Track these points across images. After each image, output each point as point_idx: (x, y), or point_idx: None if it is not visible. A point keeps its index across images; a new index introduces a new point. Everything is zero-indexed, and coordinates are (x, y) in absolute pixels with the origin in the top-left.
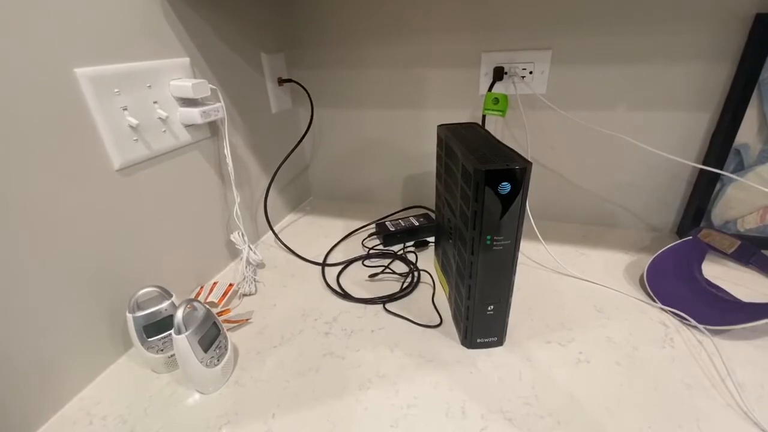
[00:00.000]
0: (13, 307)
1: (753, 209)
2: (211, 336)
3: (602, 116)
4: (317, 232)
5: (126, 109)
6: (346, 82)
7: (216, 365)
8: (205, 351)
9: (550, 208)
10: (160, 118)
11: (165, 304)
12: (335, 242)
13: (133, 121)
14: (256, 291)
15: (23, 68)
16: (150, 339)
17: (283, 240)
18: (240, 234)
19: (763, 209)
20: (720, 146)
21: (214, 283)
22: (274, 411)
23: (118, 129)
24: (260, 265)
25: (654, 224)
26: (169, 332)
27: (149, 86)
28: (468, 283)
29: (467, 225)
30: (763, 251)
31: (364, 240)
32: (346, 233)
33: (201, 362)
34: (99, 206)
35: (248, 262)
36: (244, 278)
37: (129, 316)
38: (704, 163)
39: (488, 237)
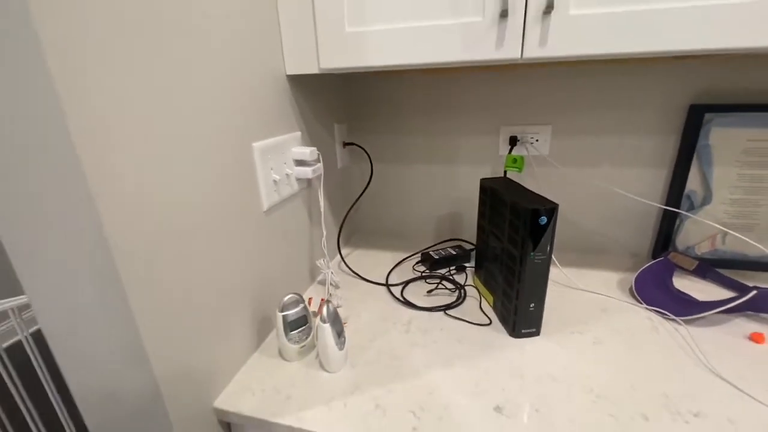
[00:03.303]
0: (199, 306)
1: (705, 238)
2: (338, 327)
3: (591, 171)
4: (371, 261)
5: (272, 169)
6: (393, 144)
7: (342, 349)
8: (338, 337)
9: (560, 237)
10: (287, 174)
11: (300, 307)
12: (390, 268)
13: (276, 177)
14: (340, 305)
15: (231, 143)
16: (291, 333)
17: (349, 266)
18: (325, 260)
19: (711, 238)
20: (676, 192)
21: (310, 298)
22: (385, 383)
23: (267, 182)
24: (336, 286)
25: (634, 250)
26: (302, 327)
27: (283, 153)
28: (516, 287)
29: (516, 246)
30: (716, 269)
31: (414, 265)
32: (396, 262)
33: (336, 345)
34: (253, 237)
35: (330, 283)
36: (331, 295)
37: (279, 314)
38: (666, 205)
39: (531, 253)
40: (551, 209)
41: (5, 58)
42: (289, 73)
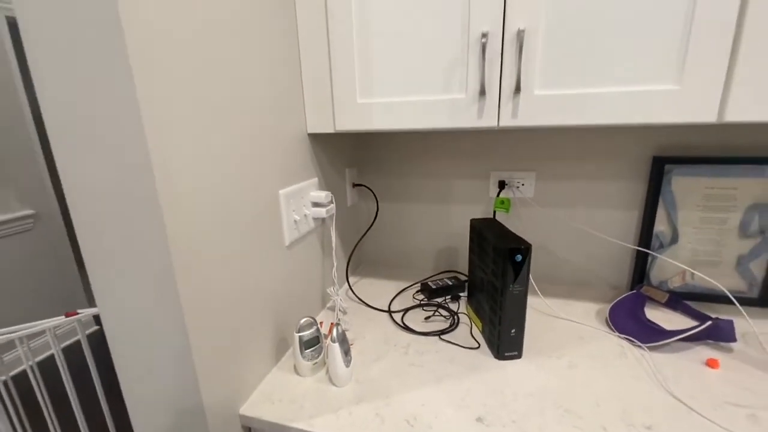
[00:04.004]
0: (232, 325)
1: (675, 273)
2: (345, 347)
3: (572, 212)
4: (376, 289)
5: (294, 211)
6: (397, 185)
7: (349, 366)
8: (345, 356)
9: (547, 272)
10: (305, 214)
11: (313, 329)
12: (393, 296)
13: (296, 217)
14: (348, 329)
15: (263, 191)
16: (305, 351)
17: (356, 293)
18: (335, 288)
19: (682, 273)
20: (646, 232)
21: (321, 321)
22: (384, 397)
23: (289, 222)
24: (344, 311)
25: (614, 283)
26: (315, 347)
27: (302, 197)
28: (499, 314)
29: (497, 278)
30: (685, 301)
31: (414, 294)
32: (398, 290)
33: (343, 363)
34: (276, 267)
35: (339, 309)
36: (339, 319)
37: (296, 335)
38: (638, 244)
39: (510, 286)
40: (526, 249)
41: (116, 135)
42: (310, 132)
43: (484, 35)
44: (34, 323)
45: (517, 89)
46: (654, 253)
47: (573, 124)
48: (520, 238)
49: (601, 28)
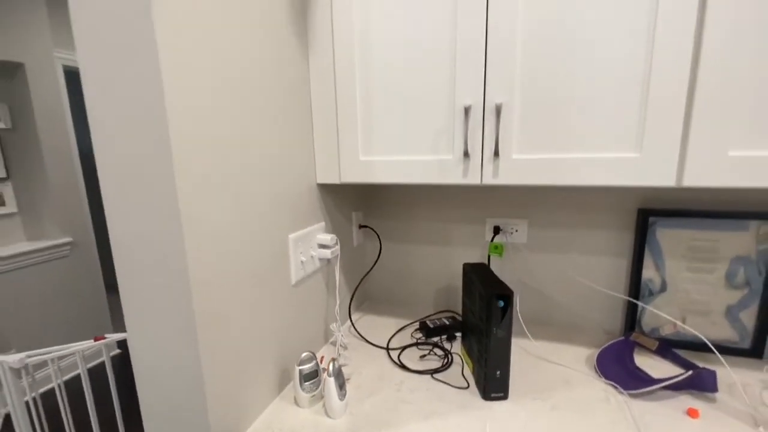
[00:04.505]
0: (240, 356)
1: (667, 321)
2: (341, 381)
3: (563, 258)
4: (377, 326)
5: (301, 253)
6: (399, 228)
7: (343, 400)
8: (340, 390)
9: (539, 315)
10: (312, 255)
11: (312, 363)
12: (393, 333)
13: (303, 258)
14: (346, 364)
15: (274, 235)
16: (304, 384)
17: (357, 330)
18: (337, 324)
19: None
20: (635, 281)
21: (322, 356)
22: (376, 430)
23: (297, 263)
24: (345, 347)
25: (607, 328)
26: (314, 380)
27: (310, 240)
28: (485, 356)
29: (483, 321)
30: (675, 350)
31: (412, 333)
32: (399, 327)
33: (338, 396)
34: (283, 304)
35: (340, 344)
36: (339, 354)
37: (297, 368)
38: (628, 292)
39: (494, 329)
40: (508, 296)
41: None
42: (319, 182)
43: (467, 108)
44: (65, 346)
45: (496, 153)
46: (641, 303)
47: (548, 184)
48: (505, 285)
49: (569, 104)
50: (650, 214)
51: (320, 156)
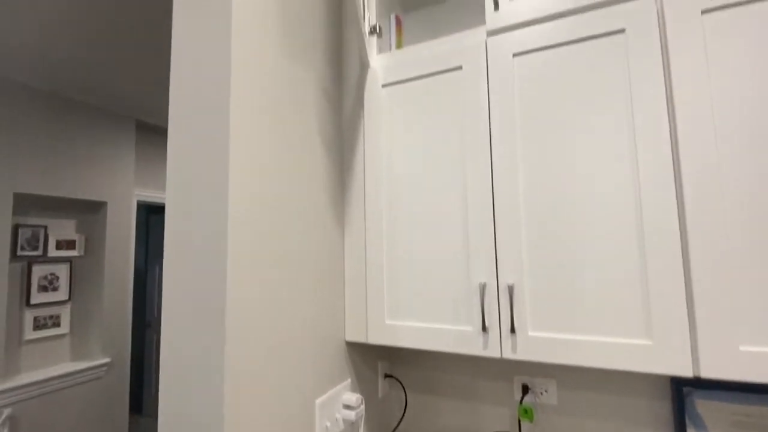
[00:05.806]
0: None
1: None
2: None
3: (598, 425)
4: None
5: (326, 417)
6: (425, 379)
7: None
8: None
9: None
10: (336, 418)
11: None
12: None
13: (328, 424)
14: None
15: (299, 401)
16: None
17: None
18: None
19: None
20: None
21: None
22: None
23: (321, 428)
24: None
25: None
26: None
27: (336, 402)
28: None
29: None
30: None
31: None
32: None
33: None
34: None
35: None
36: None
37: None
38: None
39: None
40: None
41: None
42: (347, 339)
43: (482, 285)
44: None
45: (512, 330)
46: None
47: (564, 363)
48: None
49: (577, 290)
50: (684, 384)
51: (350, 317)
